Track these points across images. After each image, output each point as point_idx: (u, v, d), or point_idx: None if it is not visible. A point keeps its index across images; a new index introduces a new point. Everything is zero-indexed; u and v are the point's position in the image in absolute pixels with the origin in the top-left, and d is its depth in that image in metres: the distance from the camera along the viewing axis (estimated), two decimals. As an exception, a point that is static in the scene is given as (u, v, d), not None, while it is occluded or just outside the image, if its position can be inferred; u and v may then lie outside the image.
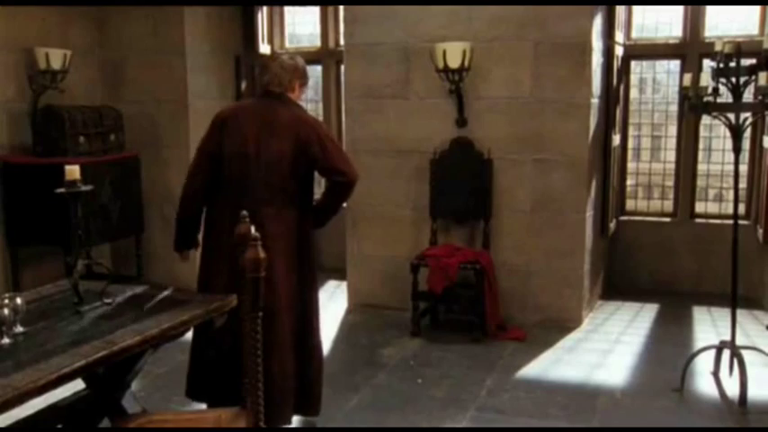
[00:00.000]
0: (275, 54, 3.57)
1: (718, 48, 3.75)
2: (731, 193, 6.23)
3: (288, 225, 3.33)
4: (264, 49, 6.71)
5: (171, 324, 2.61)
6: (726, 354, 4.13)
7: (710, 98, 3.79)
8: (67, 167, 2.76)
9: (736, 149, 3.89)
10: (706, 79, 3.77)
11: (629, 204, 6.38)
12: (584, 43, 4.93)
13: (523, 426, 3.65)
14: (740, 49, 3.75)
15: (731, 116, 3.81)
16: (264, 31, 6.70)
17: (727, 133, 6.02)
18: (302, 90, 3.54)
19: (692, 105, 3.87)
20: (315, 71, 7.13)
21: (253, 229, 2.19)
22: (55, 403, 2.84)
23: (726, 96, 3.86)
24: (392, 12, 5.27)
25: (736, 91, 3.72)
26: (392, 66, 5.34)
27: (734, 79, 3.72)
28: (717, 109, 3.83)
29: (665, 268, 6.09)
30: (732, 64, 3.72)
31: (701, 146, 6.17)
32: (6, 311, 2.40)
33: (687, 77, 3.93)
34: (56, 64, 5.29)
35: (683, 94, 3.98)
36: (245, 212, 2.46)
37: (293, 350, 3.37)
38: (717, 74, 3.76)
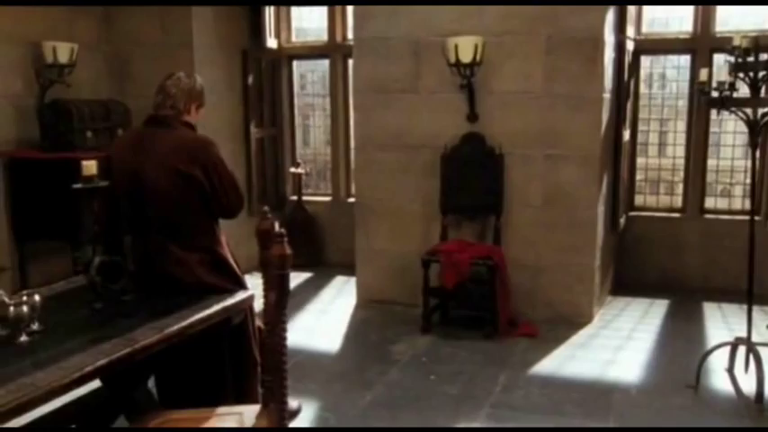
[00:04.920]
0: (172, 73, 3.26)
1: (736, 42, 3.71)
2: (739, 188, 6.24)
3: (201, 253, 3.05)
4: (272, 43, 6.68)
5: (190, 321, 2.59)
6: (741, 350, 4.11)
7: (728, 93, 3.75)
8: (84, 163, 2.73)
9: (754, 145, 3.86)
10: (724, 74, 3.73)
11: (639, 200, 6.35)
12: (596, 38, 4.89)
13: (539, 423, 3.63)
14: (758, 43, 3.72)
15: (748, 111, 3.78)
16: (271, 26, 6.67)
17: (737, 128, 6.05)
18: (199, 112, 3.21)
19: (711, 101, 3.84)
20: (322, 65, 7.10)
21: (280, 226, 2.15)
22: (71, 401, 2.81)
23: (741, 91, 3.82)
24: (402, 6, 5.23)
25: (755, 86, 3.68)
26: (402, 60, 5.30)
27: (752, 74, 3.69)
28: (735, 104, 3.79)
29: (674, 264, 6.05)
30: (750, 59, 3.69)
31: (710, 141, 6.13)
32: (25, 309, 2.37)
33: (704, 72, 3.89)
34: (63, 58, 5.24)
35: (699, 88, 3.94)
36: (266, 208, 2.41)
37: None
38: (735, 68, 3.73)
